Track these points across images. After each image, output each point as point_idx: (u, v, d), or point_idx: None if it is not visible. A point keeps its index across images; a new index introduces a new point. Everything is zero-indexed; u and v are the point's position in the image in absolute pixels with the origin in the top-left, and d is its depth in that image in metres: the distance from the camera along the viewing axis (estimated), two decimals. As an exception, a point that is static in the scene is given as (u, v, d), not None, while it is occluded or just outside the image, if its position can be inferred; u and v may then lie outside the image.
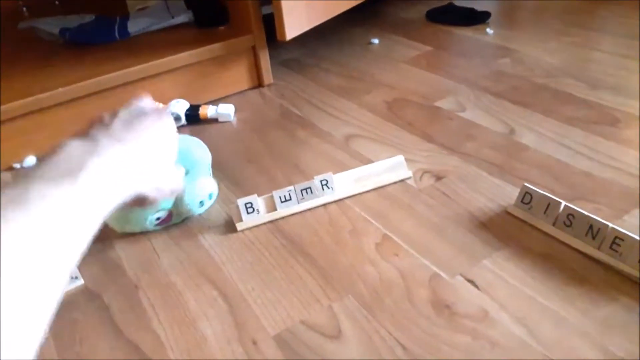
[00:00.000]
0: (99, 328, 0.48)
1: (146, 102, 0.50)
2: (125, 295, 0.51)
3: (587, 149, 0.64)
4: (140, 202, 0.45)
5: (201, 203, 0.59)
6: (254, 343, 0.44)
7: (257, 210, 0.58)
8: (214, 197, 0.62)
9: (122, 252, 0.56)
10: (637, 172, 0.59)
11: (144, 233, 0.58)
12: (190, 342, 0.45)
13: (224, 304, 0.49)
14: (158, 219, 0.57)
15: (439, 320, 0.44)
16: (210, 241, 0.57)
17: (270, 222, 0.58)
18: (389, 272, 0.50)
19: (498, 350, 0.41)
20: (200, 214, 0.61)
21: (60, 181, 0.36)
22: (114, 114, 0.49)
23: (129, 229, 0.58)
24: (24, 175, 0.35)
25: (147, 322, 0.48)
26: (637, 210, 0.54)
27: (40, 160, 0.39)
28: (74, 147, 0.40)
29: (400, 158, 0.63)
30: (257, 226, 0.58)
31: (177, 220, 0.59)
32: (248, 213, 0.58)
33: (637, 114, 0.71)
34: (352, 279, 0.50)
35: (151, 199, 0.45)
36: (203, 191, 0.59)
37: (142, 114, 0.50)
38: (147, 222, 0.57)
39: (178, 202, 0.57)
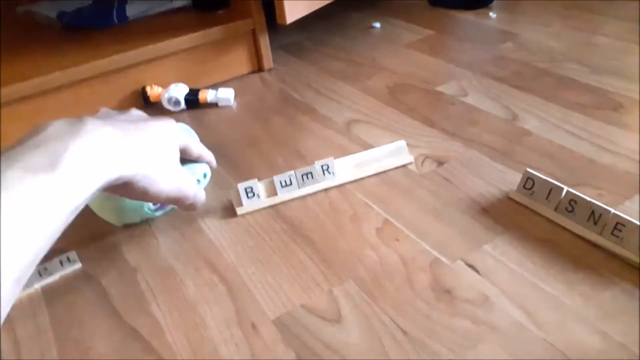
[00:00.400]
0: (96, 312, 0.47)
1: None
2: (123, 279, 0.51)
3: (590, 134, 0.64)
4: (130, 191, 0.45)
5: (197, 182, 0.58)
6: (254, 327, 0.44)
7: (258, 194, 0.58)
8: (209, 177, 0.61)
9: (121, 235, 0.56)
10: (639, 158, 0.59)
11: (144, 217, 0.58)
12: (189, 326, 0.45)
13: (223, 288, 0.48)
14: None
15: (439, 305, 0.44)
16: (210, 225, 0.56)
17: (271, 206, 0.58)
18: (389, 256, 0.50)
19: (498, 334, 0.41)
20: None
21: (38, 169, 0.36)
22: (123, 111, 0.50)
23: (128, 219, 0.57)
24: (4, 158, 0.35)
25: (146, 306, 0.47)
26: (639, 196, 0.53)
27: (22, 140, 0.38)
28: (57, 128, 0.39)
29: (401, 143, 0.63)
30: (257, 211, 0.58)
31: (171, 207, 0.59)
32: (248, 197, 0.58)
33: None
34: (353, 263, 0.49)
35: (143, 190, 0.45)
36: (195, 171, 0.58)
37: (149, 117, 0.50)
38: (146, 209, 0.56)
39: None
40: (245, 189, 0.57)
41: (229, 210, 0.58)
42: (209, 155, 0.59)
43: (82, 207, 0.39)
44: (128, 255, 0.54)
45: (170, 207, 0.58)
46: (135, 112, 0.51)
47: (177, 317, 0.46)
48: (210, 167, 0.60)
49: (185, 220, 0.58)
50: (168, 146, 0.49)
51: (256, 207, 0.58)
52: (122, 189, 0.44)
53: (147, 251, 0.54)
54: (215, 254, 0.53)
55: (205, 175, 0.60)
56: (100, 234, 0.56)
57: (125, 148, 0.43)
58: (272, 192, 0.59)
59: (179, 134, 0.52)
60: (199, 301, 0.47)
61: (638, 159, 0.58)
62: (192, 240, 0.55)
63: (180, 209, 0.57)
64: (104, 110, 0.50)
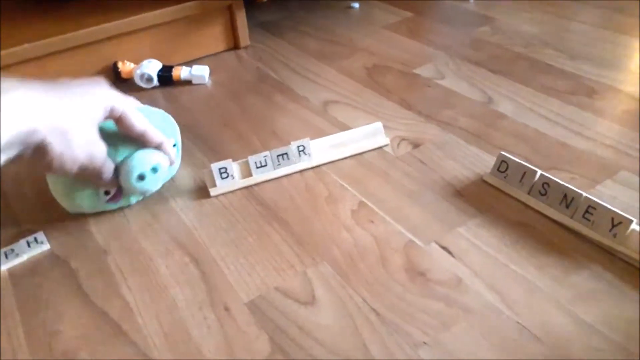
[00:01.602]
0: (65, 294, 0.46)
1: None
2: (93, 261, 0.49)
3: (564, 119, 0.64)
4: (45, 156, 0.42)
5: (140, 177, 0.51)
6: (226, 309, 0.44)
7: (232, 175, 0.57)
8: (163, 172, 0.53)
9: (91, 217, 0.55)
10: (612, 143, 0.59)
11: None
12: (160, 307, 0.44)
13: (195, 270, 0.48)
14: (107, 193, 0.53)
15: (413, 287, 0.44)
16: (182, 206, 0.55)
17: (245, 187, 0.57)
18: (364, 238, 0.50)
19: (471, 316, 0.41)
20: (152, 191, 0.55)
21: None
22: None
23: (78, 206, 0.53)
24: None
25: (116, 288, 0.46)
26: (610, 181, 0.54)
27: None
28: None
29: (378, 125, 0.62)
30: (231, 192, 0.57)
31: (126, 201, 0.54)
32: (222, 178, 0.56)
33: (614, 85, 0.71)
34: (327, 245, 0.49)
35: (59, 153, 0.43)
36: (143, 163, 0.51)
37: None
38: (99, 197, 0.52)
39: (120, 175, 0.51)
40: (219, 170, 0.56)
41: (202, 191, 0.57)
42: (156, 136, 0.51)
43: None
44: (98, 236, 0.52)
45: (121, 200, 0.54)
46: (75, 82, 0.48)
47: (148, 299, 0.45)
48: (165, 154, 0.52)
49: (157, 201, 0.56)
50: (88, 107, 0.45)
51: (230, 189, 0.57)
52: (38, 154, 0.42)
53: (117, 232, 0.53)
54: (188, 236, 0.52)
55: (155, 170, 0.52)
56: (69, 215, 0.55)
57: (41, 104, 0.41)
58: (247, 173, 0.58)
59: (110, 98, 0.47)
60: (171, 283, 0.46)
61: (610, 144, 0.59)
62: (163, 221, 0.54)
63: (93, 183, 0.51)
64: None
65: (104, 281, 0.47)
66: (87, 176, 0.48)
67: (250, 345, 0.40)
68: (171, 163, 0.54)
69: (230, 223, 0.53)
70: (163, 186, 0.58)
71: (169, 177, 0.58)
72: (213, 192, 0.56)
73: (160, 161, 0.52)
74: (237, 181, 0.57)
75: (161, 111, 0.58)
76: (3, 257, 0.50)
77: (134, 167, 0.50)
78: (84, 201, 0.52)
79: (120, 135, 0.50)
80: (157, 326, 0.43)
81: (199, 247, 0.50)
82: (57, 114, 0.42)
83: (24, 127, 0.39)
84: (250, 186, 0.57)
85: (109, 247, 0.51)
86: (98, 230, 0.53)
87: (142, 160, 0.51)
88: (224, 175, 0.56)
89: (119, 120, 0.49)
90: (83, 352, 0.41)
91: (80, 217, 0.55)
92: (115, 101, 0.47)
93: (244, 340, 0.41)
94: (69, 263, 0.49)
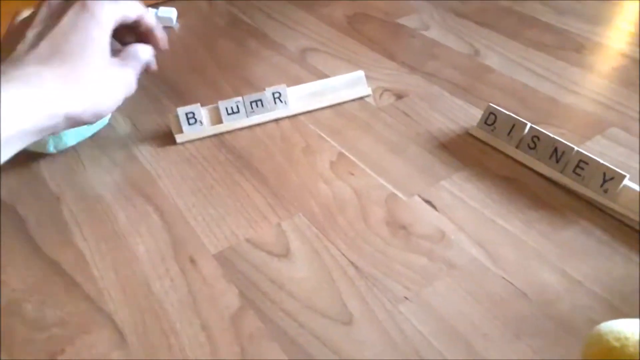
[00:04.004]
0: (12, 243, 0.42)
1: None
2: (44, 208, 0.45)
3: (552, 74, 0.62)
4: (82, 123, 0.43)
5: None
6: (192, 261, 0.40)
7: (200, 121, 0.52)
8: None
9: (43, 161, 0.50)
10: (601, 99, 0.57)
11: (70, 142, 0.51)
12: (118, 259, 0.40)
13: (159, 220, 0.44)
14: None
15: (394, 241, 0.41)
16: (145, 153, 0.51)
17: (215, 135, 0.53)
18: (343, 190, 0.46)
19: (455, 271, 0.39)
20: (125, 130, 0.54)
21: None
22: (32, 24, 0.43)
23: (66, 143, 0.50)
24: None
25: (69, 237, 0.42)
26: (600, 137, 0.52)
27: None
28: None
29: (360, 73, 0.58)
30: (199, 139, 0.52)
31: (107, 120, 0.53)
32: (189, 124, 0.52)
33: (602, 41, 0.68)
34: (304, 197, 0.46)
35: (95, 115, 0.43)
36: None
37: (62, 10, 0.43)
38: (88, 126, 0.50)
39: None
40: (187, 115, 0.52)
41: (168, 138, 0.53)
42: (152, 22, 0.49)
43: (11, 148, 0.38)
44: (51, 182, 0.48)
45: (106, 120, 0.53)
46: (45, 13, 0.43)
47: (104, 250, 0.41)
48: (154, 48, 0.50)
49: (116, 147, 0.52)
50: (97, 54, 0.43)
51: (198, 135, 0.52)
52: (73, 124, 0.42)
53: (72, 179, 0.48)
54: (151, 184, 0.47)
55: None
56: (18, 158, 0.49)
57: (52, 84, 0.39)
58: (217, 119, 0.53)
59: (106, 17, 0.43)
60: (131, 233, 0.42)
61: (599, 100, 0.57)
62: (124, 168, 0.49)
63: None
64: (19, 24, 0.44)
65: (56, 230, 0.43)
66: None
67: (218, 299, 0.37)
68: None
69: (198, 172, 0.49)
70: (124, 132, 0.53)
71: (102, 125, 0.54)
72: (179, 138, 0.52)
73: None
74: (205, 128, 0.53)
75: None
76: (-57, 203, 0.45)
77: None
78: (73, 131, 0.50)
79: None
80: (114, 278, 0.39)
81: (163, 197, 0.46)
82: (68, 86, 0.40)
83: (37, 116, 0.38)
84: (221, 134, 0.53)
85: (62, 194, 0.46)
86: (51, 176, 0.48)
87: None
88: (192, 120, 0.52)
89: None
90: (29, 304, 0.37)
91: (32, 161, 0.50)
92: (112, 13, 0.44)
93: (210, 293, 0.37)
94: (17, 210, 0.45)
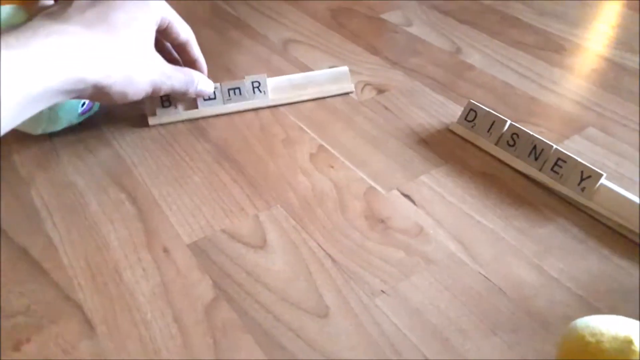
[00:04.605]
0: (-22, 228, 0.40)
1: None
2: (13, 193, 0.43)
3: (532, 73, 0.62)
4: (107, 96, 0.41)
5: None
6: (165, 251, 0.39)
7: (175, 105, 0.51)
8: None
9: (14, 145, 0.48)
10: (580, 100, 0.57)
11: (42, 127, 0.50)
12: (89, 247, 0.39)
13: (132, 208, 0.43)
14: (84, 104, 0.48)
15: (372, 234, 0.41)
16: (120, 140, 0.50)
17: (191, 122, 0.52)
18: (322, 183, 0.46)
19: (432, 266, 0.38)
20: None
21: None
22: None
23: (54, 128, 0.48)
24: None
25: (39, 224, 0.41)
26: (577, 136, 0.52)
27: None
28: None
29: (344, 69, 0.58)
30: (176, 127, 0.51)
31: (97, 107, 0.51)
32: (164, 107, 0.51)
33: (582, 43, 0.69)
34: (283, 188, 0.45)
35: (122, 93, 0.41)
36: None
37: None
38: (77, 112, 0.48)
39: None
40: (161, 97, 0.51)
41: (143, 124, 0.51)
42: (197, 48, 0.50)
43: (34, 106, 0.36)
44: (21, 168, 0.46)
45: (93, 109, 0.50)
46: None
47: (75, 237, 0.40)
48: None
49: (90, 132, 0.50)
50: (139, 33, 0.42)
51: (172, 119, 0.51)
52: (98, 95, 0.40)
53: (44, 164, 0.47)
54: (125, 171, 0.46)
55: None
56: (-13, 142, 0.48)
57: (85, 48, 0.37)
58: (193, 105, 0.52)
59: (158, 10, 0.44)
60: (103, 221, 0.41)
61: (578, 100, 0.57)
62: (97, 155, 0.48)
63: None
64: None
65: (25, 216, 0.41)
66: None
67: (191, 290, 0.36)
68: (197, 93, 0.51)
69: (174, 161, 0.48)
70: (98, 116, 0.52)
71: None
72: (152, 121, 0.51)
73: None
74: (180, 112, 0.52)
75: None
76: None
77: None
78: (63, 121, 0.48)
79: None
80: (84, 266, 0.38)
81: (137, 185, 0.45)
82: (105, 53, 0.39)
83: (70, 75, 0.36)
84: (197, 121, 0.52)
85: (33, 179, 0.45)
86: (22, 162, 0.47)
87: None
88: (166, 103, 0.51)
89: (165, 29, 0.45)
90: (-6, 292, 0.36)
91: (2, 145, 0.48)
92: (163, 11, 0.44)
93: (183, 284, 0.37)
94: (-16, 195, 0.43)
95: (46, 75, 0.35)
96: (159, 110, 0.51)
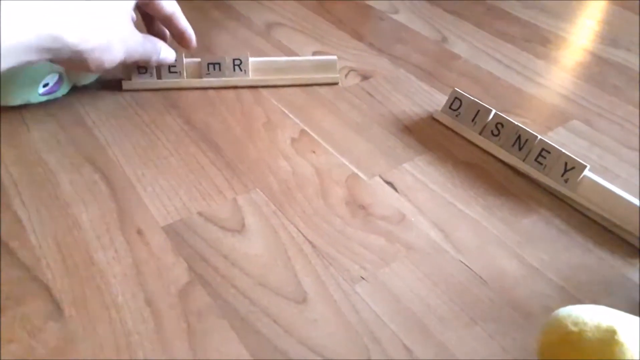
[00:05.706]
0: (-59, 205, 0.38)
1: None
2: (-20, 170, 0.42)
3: (518, 65, 0.62)
4: (83, 63, 0.40)
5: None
6: (139, 233, 0.38)
7: (151, 73, 0.51)
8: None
9: (-18, 121, 0.46)
10: (565, 92, 0.57)
11: (12, 101, 0.48)
12: (59, 227, 0.37)
13: (106, 188, 0.41)
14: (46, 85, 0.47)
15: (353, 221, 0.40)
16: (95, 119, 0.48)
17: (170, 102, 0.50)
18: (303, 168, 0.45)
19: (413, 253, 0.38)
20: (86, 84, 0.51)
21: None
22: None
23: (7, 101, 0.46)
24: None
25: (7, 201, 0.39)
26: (561, 128, 0.52)
27: None
28: None
29: (333, 58, 0.56)
30: (153, 104, 0.50)
31: (65, 90, 0.49)
32: (140, 73, 0.51)
33: (567, 37, 0.69)
34: (263, 172, 0.44)
35: (98, 60, 0.41)
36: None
37: None
38: (36, 91, 0.46)
39: None
40: (138, 65, 0.50)
41: (118, 101, 0.50)
42: (183, 20, 0.50)
43: (5, 60, 0.35)
44: (-11, 144, 0.44)
45: (58, 91, 0.48)
46: None
47: (45, 216, 0.38)
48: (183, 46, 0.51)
49: (64, 109, 0.48)
50: (120, 4, 0.42)
51: (147, 86, 0.51)
52: (74, 60, 0.39)
53: (15, 140, 0.45)
54: (99, 150, 0.44)
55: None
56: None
57: (64, 8, 0.37)
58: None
59: None
60: (75, 200, 0.40)
61: (563, 92, 0.57)
62: (71, 132, 0.46)
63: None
64: None
65: (-9, 193, 0.40)
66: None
67: (165, 273, 0.35)
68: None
69: (150, 141, 0.46)
70: (72, 93, 0.50)
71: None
72: (125, 85, 0.50)
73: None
74: (155, 80, 0.51)
75: None
76: None
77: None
78: (19, 96, 0.46)
79: None
80: (53, 246, 0.36)
81: (111, 165, 0.43)
82: (84, 17, 0.38)
83: (41, 32, 0.35)
84: (177, 100, 0.50)
85: (2, 155, 0.43)
86: (-11, 137, 0.45)
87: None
88: (142, 70, 0.50)
89: (149, 3, 0.46)
90: (-45, 271, 0.34)
91: (-32, 120, 0.46)
92: None
93: (157, 266, 0.35)
94: (-52, 170, 0.41)
95: (20, 28, 0.34)
96: (134, 77, 0.50)
